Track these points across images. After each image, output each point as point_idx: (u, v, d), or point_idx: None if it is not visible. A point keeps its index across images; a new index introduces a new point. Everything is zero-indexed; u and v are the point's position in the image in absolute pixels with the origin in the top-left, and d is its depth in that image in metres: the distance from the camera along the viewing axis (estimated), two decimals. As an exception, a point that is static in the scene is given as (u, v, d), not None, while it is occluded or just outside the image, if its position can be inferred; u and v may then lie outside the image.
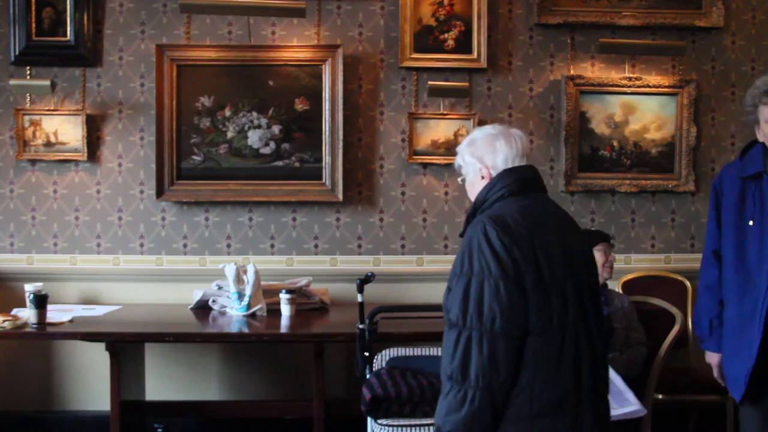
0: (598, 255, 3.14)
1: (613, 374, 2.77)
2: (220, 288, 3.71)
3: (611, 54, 4.10)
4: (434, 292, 3.97)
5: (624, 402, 2.72)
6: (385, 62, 4.07)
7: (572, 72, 4.10)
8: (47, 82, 3.84)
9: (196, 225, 4.06)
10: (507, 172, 1.94)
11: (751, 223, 2.48)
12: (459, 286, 1.81)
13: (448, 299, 1.86)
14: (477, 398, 1.74)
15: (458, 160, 2.09)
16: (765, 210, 2.46)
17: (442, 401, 1.83)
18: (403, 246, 4.09)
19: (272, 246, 4.07)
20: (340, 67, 3.96)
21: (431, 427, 2.82)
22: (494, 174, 1.96)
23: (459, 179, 2.14)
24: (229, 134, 4.00)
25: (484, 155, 1.98)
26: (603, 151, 4.11)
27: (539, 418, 1.75)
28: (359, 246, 4.08)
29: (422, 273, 4.07)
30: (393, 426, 2.82)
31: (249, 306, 3.52)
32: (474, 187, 2.02)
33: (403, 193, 4.10)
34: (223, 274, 3.60)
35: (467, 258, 1.81)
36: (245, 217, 4.07)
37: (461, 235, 1.93)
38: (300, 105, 4.02)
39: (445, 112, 4.05)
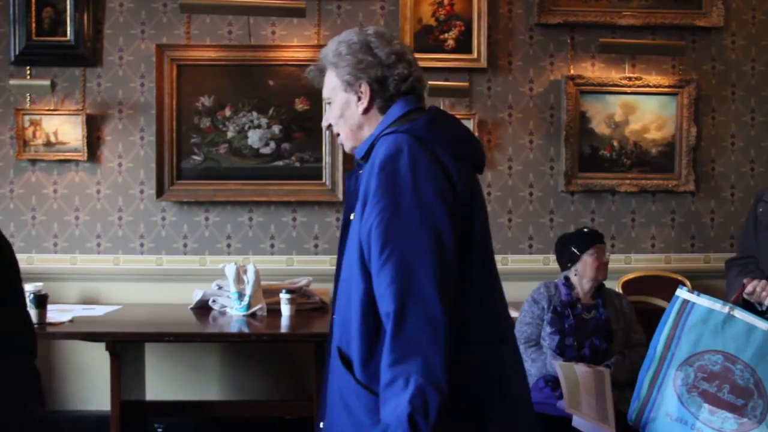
0: (591, 259, 3.10)
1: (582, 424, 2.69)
2: (220, 288, 3.71)
3: (611, 54, 4.10)
4: (434, 292, 3.97)
5: None
6: (385, 62, 4.07)
7: (572, 72, 4.10)
8: (47, 82, 3.84)
9: (196, 225, 4.06)
10: None
11: None
12: None
13: None
14: None
15: None
16: None
17: None
18: (403, 246, 4.08)
19: (272, 246, 4.07)
20: (340, 67, 3.95)
21: (431, 427, 2.82)
22: None
23: None
24: (230, 134, 4.00)
25: None
26: (603, 151, 4.11)
27: None
28: (359, 246, 4.07)
29: (422, 273, 4.06)
30: (393, 426, 2.82)
31: (249, 306, 3.52)
32: None
33: (403, 193, 4.09)
34: (224, 273, 3.60)
35: None
36: (245, 217, 4.07)
37: None
38: (300, 105, 4.02)
39: (445, 112, 4.04)
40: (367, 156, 1.74)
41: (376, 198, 1.59)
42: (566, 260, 3.17)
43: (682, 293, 2.21)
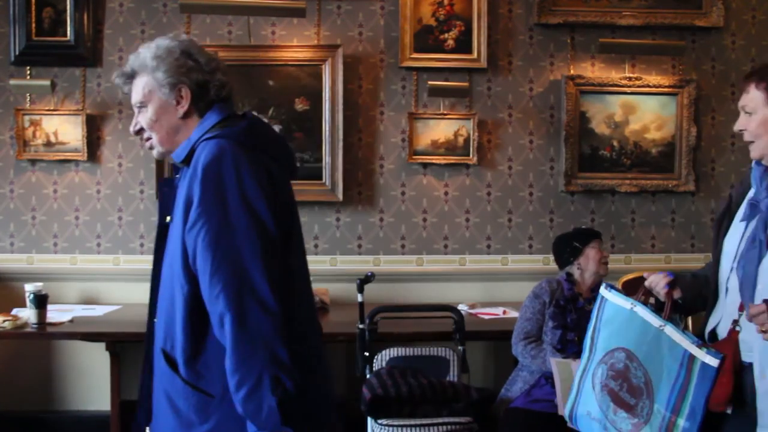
0: (593, 252, 3.13)
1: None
2: (220, 288, 3.71)
3: (611, 54, 4.11)
4: (434, 292, 3.98)
5: None
6: (385, 62, 4.07)
7: (572, 72, 4.10)
8: (47, 82, 3.84)
9: (196, 225, 4.06)
10: None
11: None
12: None
13: None
14: None
15: None
16: None
17: None
18: (403, 246, 4.09)
19: (272, 246, 4.07)
20: (340, 67, 3.96)
21: (431, 427, 2.82)
22: None
23: None
24: (229, 134, 3.99)
25: None
26: (603, 151, 4.11)
27: None
28: (359, 246, 4.08)
29: (422, 273, 4.07)
30: (393, 426, 2.82)
31: (249, 306, 3.52)
32: None
33: (403, 193, 4.10)
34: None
35: None
36: (245, 217, 4.07)
37: None
38: (300, 105, 4.02)
39: (445, 112, 4.05)
40: (187, 160, 1.76)
41: (203, 203, 1.63)
42: (568, 256, 3.19)
43: (602, 289, 2.18)
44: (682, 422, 1.92)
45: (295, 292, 1.74)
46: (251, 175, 1.65)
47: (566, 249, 3.20)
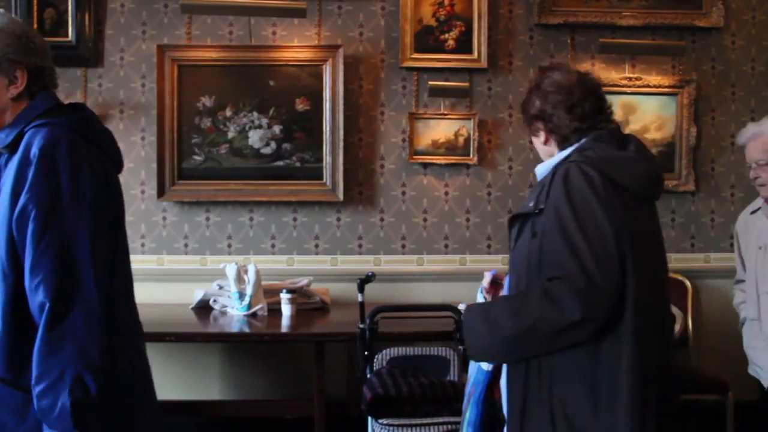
0: None
1: None
2: (221, 288, 3.72)
3: (611, 54, 4.11)
4: (434, 292, 3.98)
5: None
6: (386, 62, 4.08)
7: (572, 72, 4.11)
8: (48, 83, 3.84)
9: (197, 225, 4.07)
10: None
11: None
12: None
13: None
14: None
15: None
16: None
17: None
18: (403, 246, 4.10)
19: (273, 246, 4.08)
20: (341, 67, 3.97)
21: (431, 427, 2.83)
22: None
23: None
24: (230, 134, 4.00)
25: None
26: (603, 151, 4.11)
27: None
28: (360, 246, 4.09)
29: (422, 273, 4.07)
30: (393, 426, 2.83)
31: (250, 306, 3.53)
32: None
33: (403, 193, 4.10)
34: (224, 273, 3.61)
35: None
36: (246, 217, 4.08)
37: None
38: (301, 105, 4.02)
39: (445, 112, 4.05)
40: (12, 145, 1.68)
41: (34, 189, 1.58)
42: None
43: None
44: None
45: (117, 290, 1.70)
46: (86, 166, 1.62)
47: None
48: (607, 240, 1.69)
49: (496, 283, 2.14)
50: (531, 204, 1.83)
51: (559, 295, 1.65)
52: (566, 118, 1.90)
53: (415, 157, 4.05)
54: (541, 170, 1.97)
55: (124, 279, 1.80)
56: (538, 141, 1.99)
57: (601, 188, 1.73)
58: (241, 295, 3.54)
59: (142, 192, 4.05)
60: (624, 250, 1.71)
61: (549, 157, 1.96)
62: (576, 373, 1.73)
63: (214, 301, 3.71)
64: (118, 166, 1.82)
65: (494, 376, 2.00)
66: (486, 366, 2.01)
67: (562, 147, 1.92)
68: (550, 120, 1.93)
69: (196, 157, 4.00)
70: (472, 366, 2.08)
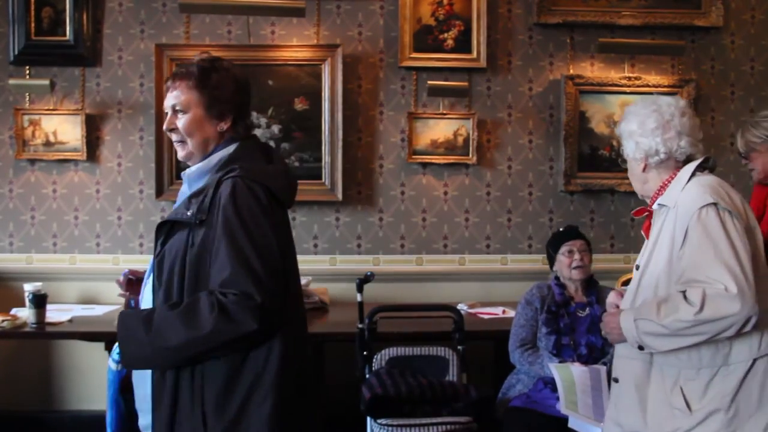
0: (563, 258, 3.10)
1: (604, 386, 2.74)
2: (219, 288, 3.71)
3: (611, 54, 4.11)
4: (434, 292, 3.98)
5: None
6: (385, 62, 4.08)
7: (572, 72, 4.11)
8: (46, 82, 3.83)
9: (195, 225, 4.06)
10: None
11: None
12: None
13: None
14: None
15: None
16: None
17: None
18: (402, 246, 4.09)
19: (272, 246, 4.07)
20: (340, 66, 3.96)
21: (431, 427, 2.82)
22: None
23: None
24: (229, 134, 3.99)
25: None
26: (602, 151, 4.12)
27: None
28: (359, 245, 4.08)
29: (422, 273, 4.07)
30: (392, 425, 2.82)
31: (248, 306, 3.52)
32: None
33: (402, 193, 4.10)
34: (223, 273, 3.60)
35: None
36: (245, 217, 4.07)
37: None
38: (299, 105, 4.02)
39: (444, 112, 4.05)
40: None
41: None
42: (549, 262, 3.23)
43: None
44: None
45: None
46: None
47: (547, 255, 3.25)
48: (276, 258, 1.76)
49: (131, 281, 2.13)
50: (189, 213, 1.81)
51: (234, 310, 1.69)
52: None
53: (414, 156, 4.04)
54: (191, 172, 1.95)
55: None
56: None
57: (267, 204, 1.80)
58: (240, 295, 3.53)
59: (141, 191, 4.04)
60: (286, 266, 1.82)
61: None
62: (225, 369, 1.78)
63: (213, 301, 3.70)
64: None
65: (126, 374, 2.01)
66: (114, 365, 2.05)
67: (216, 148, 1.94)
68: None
69: (194, 157, 3.99)
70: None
